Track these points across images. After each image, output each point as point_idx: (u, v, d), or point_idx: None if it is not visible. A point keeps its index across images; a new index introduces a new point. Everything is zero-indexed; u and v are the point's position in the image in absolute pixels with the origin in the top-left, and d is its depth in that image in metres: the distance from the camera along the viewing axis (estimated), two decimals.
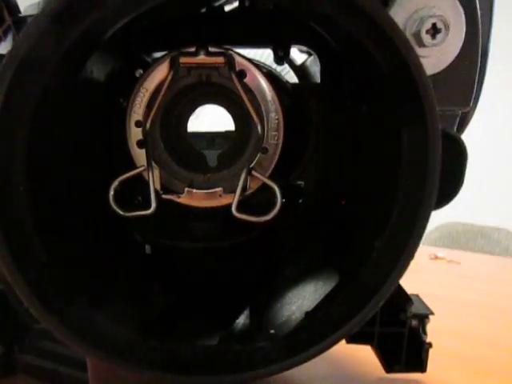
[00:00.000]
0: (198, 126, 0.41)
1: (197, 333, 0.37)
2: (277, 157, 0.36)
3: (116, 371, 0.34)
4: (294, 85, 0.44)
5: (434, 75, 0.34)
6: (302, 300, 0.38)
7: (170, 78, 0.35)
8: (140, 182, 0.36)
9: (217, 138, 0.42)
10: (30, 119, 0.28)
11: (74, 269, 0.33)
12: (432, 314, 0.44)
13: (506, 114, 2.23)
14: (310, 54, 0.46)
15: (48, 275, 0.30)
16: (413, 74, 0.28)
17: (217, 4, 0.38)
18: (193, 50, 0.35)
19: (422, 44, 0.32)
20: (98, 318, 0.31)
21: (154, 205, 0.34)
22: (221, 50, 0.35)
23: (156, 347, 0.32)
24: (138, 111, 0.35)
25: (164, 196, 0.36)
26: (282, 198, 0.34)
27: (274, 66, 0.43)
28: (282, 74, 0.45)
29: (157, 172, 0.36)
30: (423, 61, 0.28)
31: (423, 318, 0.43)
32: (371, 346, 0.43)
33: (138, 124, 0.35)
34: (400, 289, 0.39)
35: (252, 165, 0.36)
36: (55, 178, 0.33)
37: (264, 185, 0.36)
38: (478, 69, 0.35)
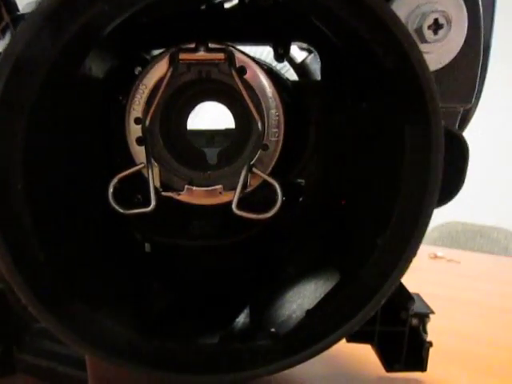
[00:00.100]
0: (198, 125, 0.41)
1: (197, 332, 0.37)
2: (277, 154, 0.36)
3: (116, 370, 0.33)
4: (294, 82, 0.43)
5: (435, 71, 0.33)
6: (302, 299, 0.37)
7: (169, 74, 0.34)
8: (139, 181, 0.35)
9: (216, 136, 0.42)
10: (28, 117, 0.28)
11: (74, 268, 0.32)
12: (432, 312, 0.44)
13: (507, 113, 2.23)
14: (310, 52, 0.45)
15: (47, 274, 0.29)
16: (416, 69, 0.28)
17: (216, 1, 0.37)
18: (192, 46, 0.35)
19: (423, 40, 0.32)
20: (98, 317, 0.31)
21: (153, 202, 0.34)
22: (221, 46, 0.35)
23: (156, 346, 0.32)
24: (137, 108, 0.35)
25: (164, 193, 0.36)
26: (282, 195, 0.34)
27: (274, 63, 0.43)
28: (282, 71, 0.45)
29: (156, 169, 0.35)
30: (425, 57, 0.28)
31: (423, 316, 0.43)
32: (371, 344, 0.43)
33: (137, 121, 0.35)
34: (402, 287, 0.39)
35: (253, 162, 0.36)
36: (53, 176, 0.33)
37: (264, 182, 0.36)
38: (480, 65, 0.35)
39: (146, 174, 0.35)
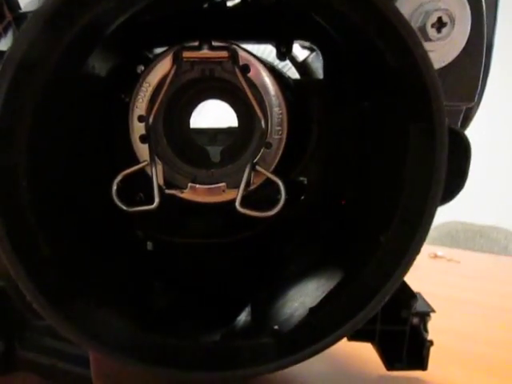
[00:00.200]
0: (200, 123, 0.41)
1: (198, 330, 0.37)
2: (280, 152, 0.36)
3: (119, 367, 0.33)
4: (296, 81, 0.43)
5: (438, 70, 0.33)
6: (304, 297, 0.37)
7: (173, 72, 0.34)
8: (142, 179, 0.35)
9: (219, 135, 0.42)
10: (32, 115, 0.28)
11: (76, 265, 0.32)
12: (433, 311, 0.44)
13: (508, 113, 2.22)
14: (312, 51, 0.45)
15: (51, 271, 0.29)
16: (420, 66, 0.28)
17: None
18: (196, 44, 0.35)
19: (427, 38, 0.32)
20: (100, 314, 0.31)
21: (157, 200, 0.34)
22: (224, 44, 0.35)
23: (158, 343, 0.32)
24: (140, 106, 0.35)
25: (167, 191, 0.36)
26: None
27: (276, 62, 0.43)
28: (284, 70, 0.45)
29: (160, 167, 0.35)
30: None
31: (424, 315, 0.43)
32: (372, 343, 0.43)
33: (140, 119, 0.35)
34: (404, 285, 0.39)
35: (256, 160, 0.36)
36: (57, 174, 0.33)
37: (266, 180, 0.36)
38: (483, 63, 0.35)
39: (149, 172, 0.35)
